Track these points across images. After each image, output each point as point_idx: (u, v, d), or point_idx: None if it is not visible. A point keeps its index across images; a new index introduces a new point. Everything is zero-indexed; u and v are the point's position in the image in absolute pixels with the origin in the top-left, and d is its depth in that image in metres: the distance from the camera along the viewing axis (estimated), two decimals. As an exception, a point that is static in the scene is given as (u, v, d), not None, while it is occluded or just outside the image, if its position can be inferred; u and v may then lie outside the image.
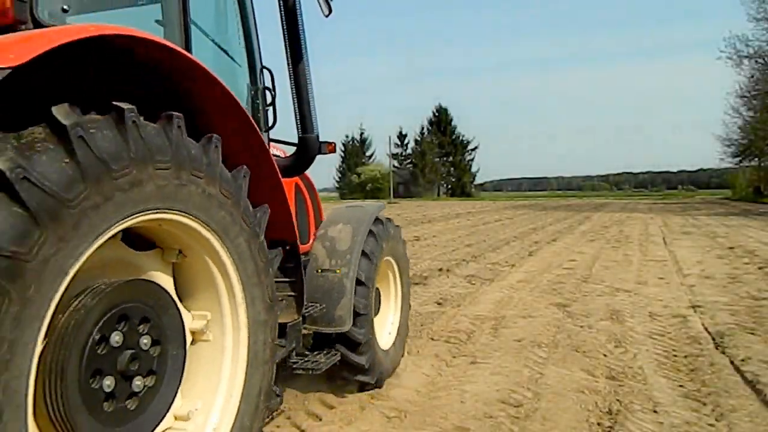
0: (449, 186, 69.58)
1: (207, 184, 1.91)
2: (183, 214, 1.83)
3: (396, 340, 4.04)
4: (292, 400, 3.52)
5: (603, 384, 3.73)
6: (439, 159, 68.27)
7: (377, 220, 3.88)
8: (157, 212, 1.73)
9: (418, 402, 3.49)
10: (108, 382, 1.63)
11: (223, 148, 2.03)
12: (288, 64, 3.25)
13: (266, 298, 2.26)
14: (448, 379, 3.89)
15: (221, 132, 2.05)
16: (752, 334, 4.83)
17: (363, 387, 3.63)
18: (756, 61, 35.28)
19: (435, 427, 3.13)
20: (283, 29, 3.23)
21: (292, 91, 3.27)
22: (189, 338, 2.02)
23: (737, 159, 49.92)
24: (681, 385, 3.70)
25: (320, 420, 3.25)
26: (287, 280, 2.80)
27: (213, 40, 2.92)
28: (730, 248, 11.03)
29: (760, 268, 8.37)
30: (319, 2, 3.23)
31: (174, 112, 1.80)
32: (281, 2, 3.21)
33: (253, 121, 2.35)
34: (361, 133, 77.37)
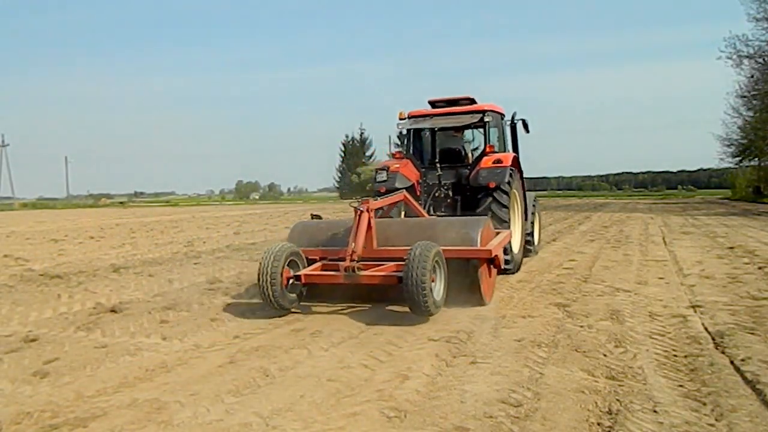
0: (449, 186, 69.32)
1: (515, 179, 8.71)
2: (516, 189, 8.72)
3: (539, 243, 11.02)
4: (291, 399, 3.52)
5: (603, 384, 3.74)
6: (440, 159, 68.11)
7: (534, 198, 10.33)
8: (513, 188, 8.48)
9: (418, 402, 3.49)
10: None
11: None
12: (511, 147, 9.83)
13: (524, 211, 9.41)
14: (448, 379, 3.89)
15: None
16: (752, 334, 4.84)
17: (527, 253, 9.78)
18: (756, 61, 35.22)
19: (435, 427, 3.13)
20: (510, 132, 9.88)
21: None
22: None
23: (737, 159, 49.91)
24: (681, 385, 3.70)
25: (320, 420, 3.25)
26: None
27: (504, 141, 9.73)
28: (730, 248, 11.02)
29: (760, 268, 8.37)
30: (522, 127, 9.84)
31: (511, 168, 8.44)
32: (510, 125, 9.84)
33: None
34: (361, 133, 77.17)
